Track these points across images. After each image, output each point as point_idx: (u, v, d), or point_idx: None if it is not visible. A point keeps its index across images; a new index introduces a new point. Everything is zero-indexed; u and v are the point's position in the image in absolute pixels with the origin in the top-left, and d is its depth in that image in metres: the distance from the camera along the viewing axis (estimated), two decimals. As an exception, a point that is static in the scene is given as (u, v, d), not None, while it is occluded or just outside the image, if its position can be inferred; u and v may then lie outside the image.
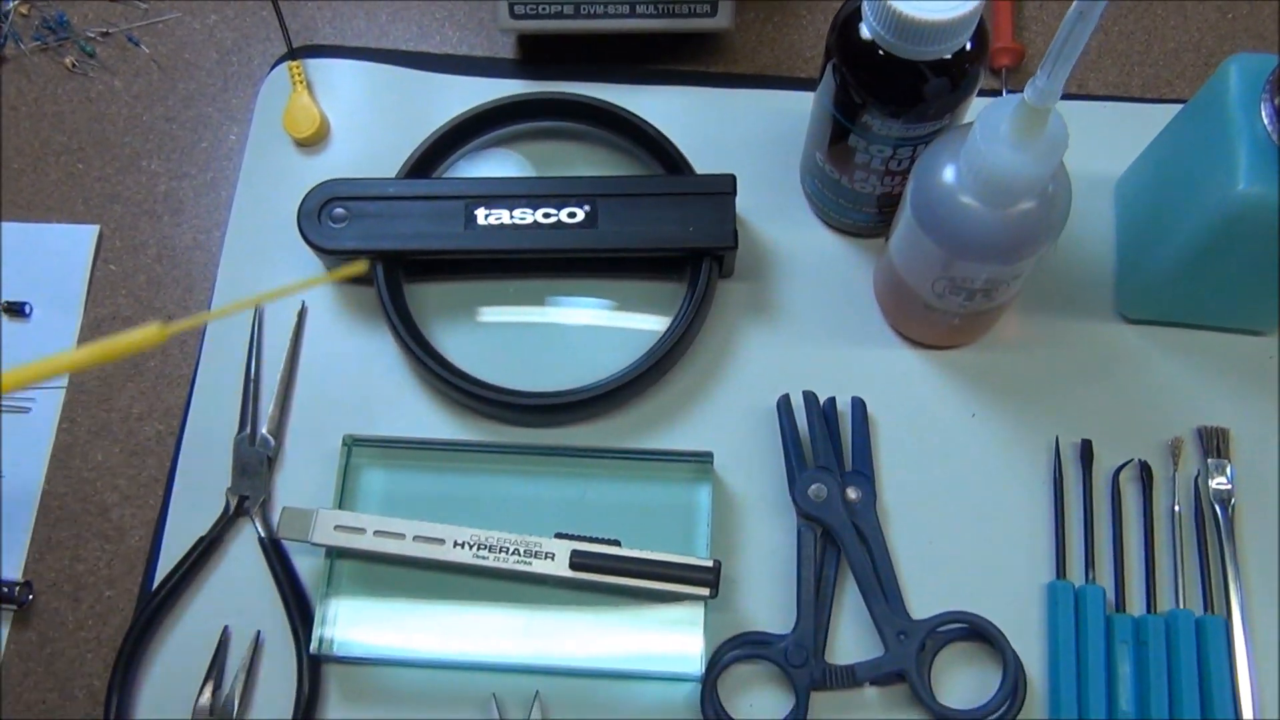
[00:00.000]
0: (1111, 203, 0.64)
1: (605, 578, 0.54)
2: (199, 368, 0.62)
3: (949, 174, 0.50)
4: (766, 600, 0.57)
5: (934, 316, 0.57)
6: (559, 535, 0.54)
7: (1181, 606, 0.55)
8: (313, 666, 0.55)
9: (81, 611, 0.58)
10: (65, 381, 0.63)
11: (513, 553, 0.54)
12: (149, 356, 0.63)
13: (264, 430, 0.60)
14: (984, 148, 0.47)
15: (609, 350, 0.60)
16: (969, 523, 0.58)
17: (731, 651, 0.55)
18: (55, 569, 0.59)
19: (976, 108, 0.50)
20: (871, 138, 0.54)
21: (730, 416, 0.60)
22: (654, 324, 0.61)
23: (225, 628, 0.57)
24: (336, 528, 0.55)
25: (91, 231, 0.66)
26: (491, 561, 0.54)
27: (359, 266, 0.59)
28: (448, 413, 0.60)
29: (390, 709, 0.55)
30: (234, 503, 0.58)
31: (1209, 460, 0.58)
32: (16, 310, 0.64)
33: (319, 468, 0.59)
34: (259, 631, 0.57)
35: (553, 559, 0.54)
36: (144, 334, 0.47)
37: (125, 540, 0.59)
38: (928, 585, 0.56)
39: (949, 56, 0.50)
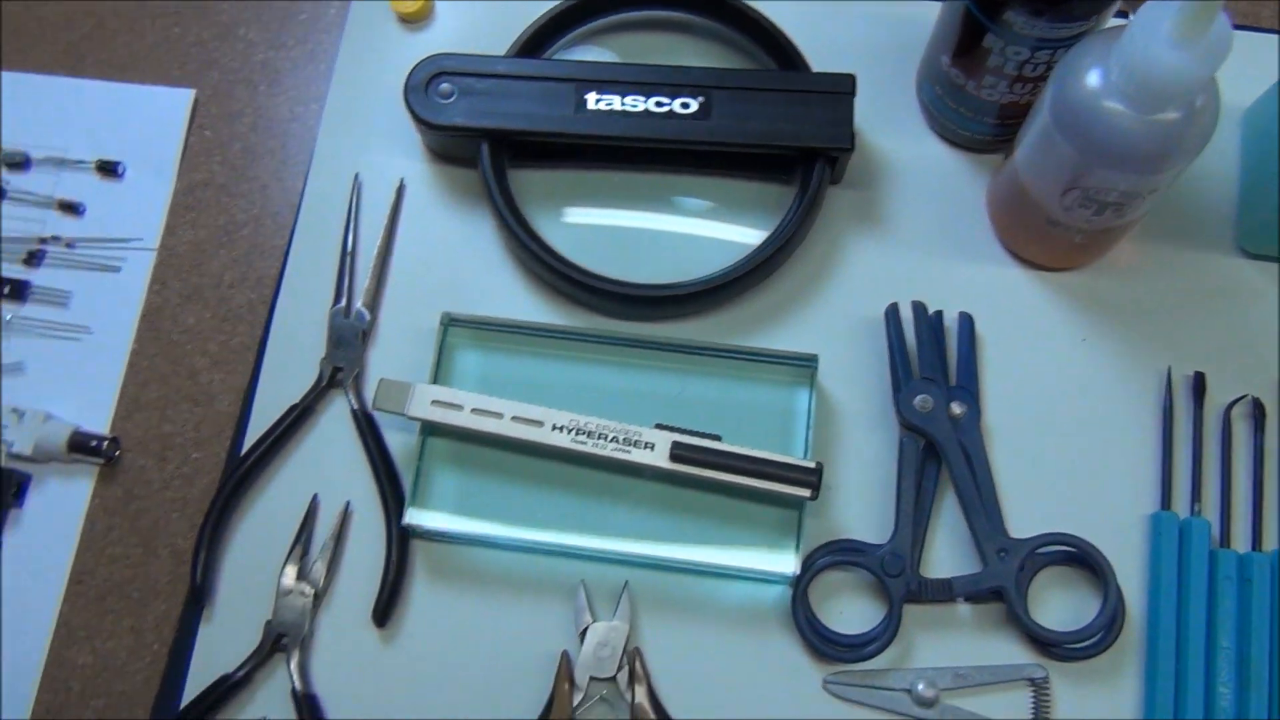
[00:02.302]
0: (1238, 134, 0.62)
1: (705, 472, 0.53)
2: (293, 239, 0.61)
3: (1094, 77, 0.48)
4: (862, 510, 0.56)
5: (1055, 234, 0.55)
6: (659, 426, 0.53)
7: (1288, 545, 0.54)
8: (402, 541, 0.54)
9: (168, 472, 0.58)
10: (156, 244, 0.62)
11: (611, 440, 0.53)
12: (242, 225, 0.62)
13: (359, 304, 0.59)
14: (1142, 43, 0.45)
15: (713, 248, 0.59)
16: (1074, 447, 0.56)
17: (826, 556, 0.54)
18: (143, 428, 0.58)
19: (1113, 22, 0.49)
20: (1010, 37, 0.52)
21: (833, 324, 0.59)
22: (760, 226, 0.60)
23: (314, 496, 0.56)
24: (434, 402, 0.54)
25: (187, 95, 0.65)
26: (590, 447, 0.53)
27: None
28: (546, 300, 0.59)
29: (478, 589, 0.55)
30: (328, 373, 0.57)
31: (1323, 401, 0.56)
32: (110, 169, 0.63)
33: (413, 345, 0.58)
34: (348, 502, 0.56)
35: (652, 449, 0.53)
36: None
37: (214, 404, 0.59)
38: (1028, 506, 0.55)
39: (1106, -46, 0.48)
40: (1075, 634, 0.52)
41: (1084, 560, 0.53)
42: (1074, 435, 0.57)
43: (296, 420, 0.57)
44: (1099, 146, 0.49)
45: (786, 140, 0.58)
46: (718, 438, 0.53)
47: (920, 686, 0.53)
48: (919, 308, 0.57)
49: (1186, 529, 0.54)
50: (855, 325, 0.58)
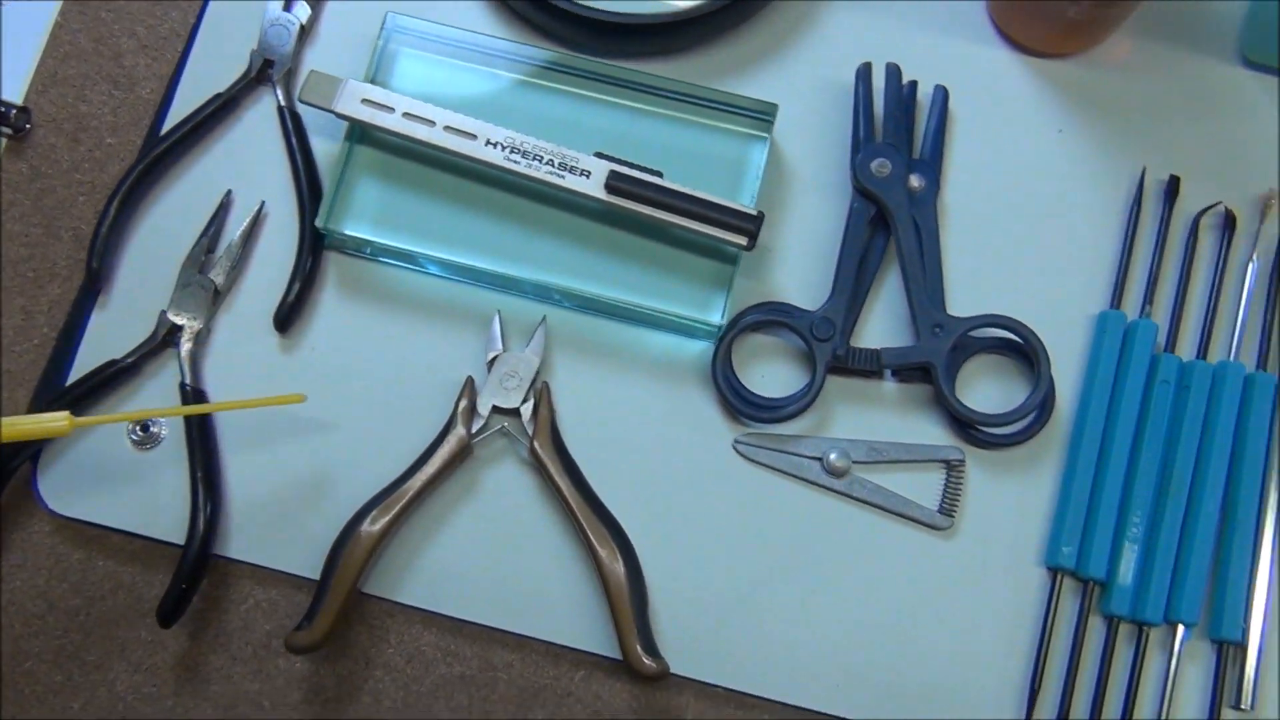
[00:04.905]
0: (1258, -62, 0.57)
1: (640, 207, 0.50)
2: (237, -73, 0.57)
3: None
4: (800, 277, 0.53)
5: (1050, 4, 0.51)
6: (599, 155, 0.50)
7: (1234, 359, 0.52)
8: (315, 245, 0.52)
9: (79, 153, 0.55)
10: (91, -81, 0.57)
11: (546, 162, 0.50)
12: (185, -93, 0.58)
13: (299, -3, 0.55)
14: None
15: (684, -13, 0.55)
16: (1031, 238, 0.54)
17: (755, 314, 0.52)
18: (57, 105, 0.55)
19: None
20: None
21: (800, 83, 0.55)
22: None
23: (229, 192, 0.53)
24: (364, 101, 0.51)
25: None
26: (523, 167, 0.50)
27: (296, 397, 0.49)
28: (501, 19, 0.55)
29: (389, 308, 0.52)
30: (258, 65, 0.54)
31: (1299, 224, 0.53)
32: None
33: (353, 49, 0.54)
34: (263, 202, 0.53)
35: (588, 177, 0.50)
36: (52, 425, 0.44)
37: (136, 90, 0.55)
38: (973, 291, 0.53)
39: None
40: (998, 416, 0.50)
41: (1019, 349, 0.51)
42: (1033, 226, 0.54)
43: (219, 111, 0.53)
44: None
45: (775, -126, 0.53)
46: (659, 174, 0.50)
47: (833, 456, 0.51)
48: (893, 71, 0.54)
49: (1132, 330, 0.52)
50: (823, 88, 0.55)
